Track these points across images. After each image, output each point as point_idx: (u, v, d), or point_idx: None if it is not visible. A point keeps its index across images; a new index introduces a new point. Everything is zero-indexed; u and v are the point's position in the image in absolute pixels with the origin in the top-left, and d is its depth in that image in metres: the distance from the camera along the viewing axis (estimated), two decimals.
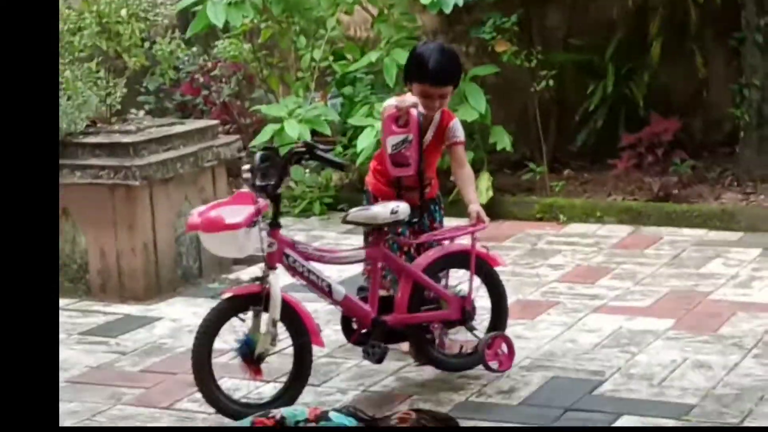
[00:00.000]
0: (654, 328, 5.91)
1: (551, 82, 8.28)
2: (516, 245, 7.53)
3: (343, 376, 5.44)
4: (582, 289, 6.59)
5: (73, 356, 5.83)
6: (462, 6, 8.07)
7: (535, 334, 5.89)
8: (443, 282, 5.36)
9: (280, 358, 5.19)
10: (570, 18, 8.99)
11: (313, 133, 7.99)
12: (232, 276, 7.10)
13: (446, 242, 5.35)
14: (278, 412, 3.55)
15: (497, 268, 5.47)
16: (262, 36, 8.64)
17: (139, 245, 6.66)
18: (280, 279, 5.00)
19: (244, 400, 5.09)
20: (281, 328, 4.99)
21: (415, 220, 5.29)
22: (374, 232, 5.20)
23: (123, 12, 6.73)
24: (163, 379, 5.50)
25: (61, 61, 6.83)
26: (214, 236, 4.93)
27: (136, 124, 6.96)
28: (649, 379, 5.27)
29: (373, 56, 8.16)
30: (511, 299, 6.35)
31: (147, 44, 7.05)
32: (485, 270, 5.38)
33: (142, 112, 7.41)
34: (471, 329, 5.32)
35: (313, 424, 3.50)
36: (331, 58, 8.45)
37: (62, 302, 6.65)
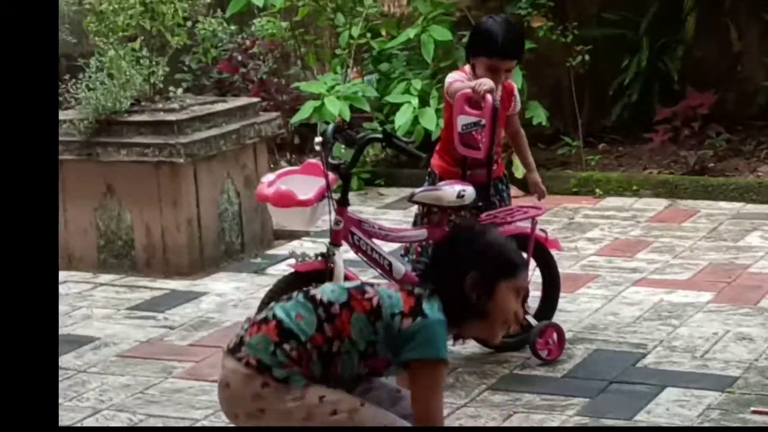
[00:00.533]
0: (694, 300, 5.98)
1: (587, 57, 8.33)
2: (553, 219, 7.61)
3: None
4: (621, 262, 6.67)
5: (123, 331, 5.94)
6: None
7: (576, 308, 5.96)
8: None
9: None
10: None
11: (352, 109, 8.08)
12: (273, 251, 7.20)
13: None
14: (375, 295, 3.56)
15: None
16: (299, 14, 8.71)
17: (183, 221, 6.76)
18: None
19: None
20: None
21: (480, 203, 5.30)
22: (439, 212, 5.25)
23: None
24: (212, 352, 5.60)
25: (104, 40, 6.93)
26: (283, 210, 5.01)
27: (179, 102, 7.05)
28: (692, 351, 5.34)
29: (411, 33, 8.23)
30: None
31: (188, 23, 7.12)
32: (542, 255, 5.44)
33: (180, 90, 7.49)
34: (524, 313, 5.37)
35: (409, 320, 3.49)
36: (368, 35, 8.51)
37: (108, 278, 6.79)
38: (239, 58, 9.15)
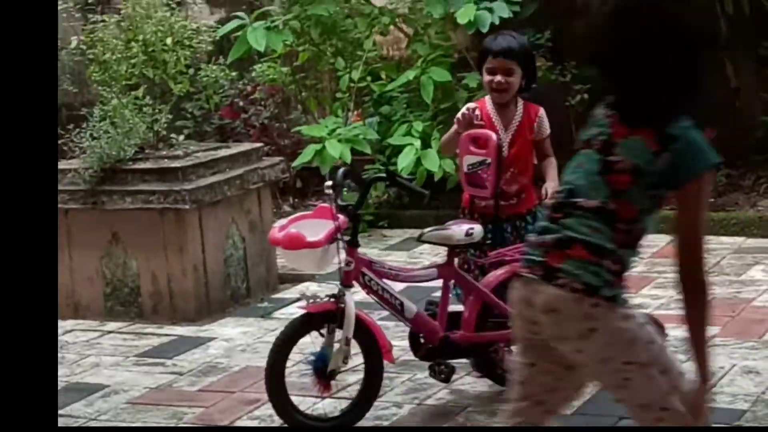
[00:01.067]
0: None
1: (586, 96, 8.39)
2: None
3: (397, 390, 5.55)
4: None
5: (132, 378, 5.97)
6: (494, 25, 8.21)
7: None
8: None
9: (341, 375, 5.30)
10: None
11: (353, 152, 8.14)
12: (278, 295, 7.24)
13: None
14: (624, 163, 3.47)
15: None
16: (299, 58, 8.79)
17: (189, 267, 6.80)
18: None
19: (314, 414, 5.20)
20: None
21: (488, 241, 5.34)
22: (448, 251, 5.30)
23: (168, 40, 6.87)
24: (221, 397, 5.63)
25: (107, 89, 7.00)
26: (294, 252, 5.06)
27: (182, 149, 7.11)
28: None
29: (411, 74, 8.31)
30: None
31: (191, 71, 7.18)
32: None
33: (181, 137, 7.56)
34: None
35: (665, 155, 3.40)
36: (369, 78, 8.59)
37: (115, 325, 6.83)
38: (240, 103, 9.22)
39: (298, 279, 7.52)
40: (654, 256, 7.55)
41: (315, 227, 5.06)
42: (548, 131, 5.60)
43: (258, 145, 7.59)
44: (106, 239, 6.92)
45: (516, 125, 5.51)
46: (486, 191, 5.30)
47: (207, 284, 6.88)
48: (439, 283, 5.35)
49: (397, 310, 5.22)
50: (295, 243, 5.06)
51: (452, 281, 5.32)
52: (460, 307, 5.37)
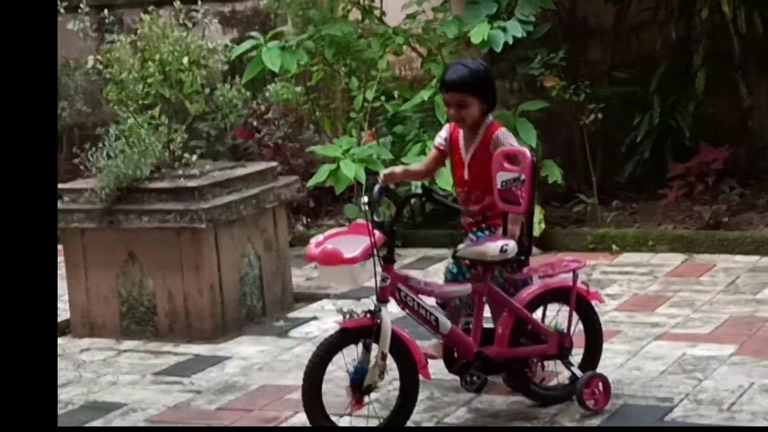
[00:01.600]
0: (717, 354, 6.01)
1: (600, 115, 8.42)
2: None
3: (417, 408, 5.48)
4: (642, 317, 6.70)
5: (150, 396, 5.97)
6: (507, 44, 8.24)
7: (600, 363, 5.94)
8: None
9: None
10: (613, 51, 9.14)
11: (367, 171, 8.15)
12: (293, 314, 7.24)
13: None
14: None
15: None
16: (313, 78, 8.81)
17: (205, 286, 6.80)
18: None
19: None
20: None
21: (522, 257, 5.35)
22: (481, 267, 5.32)
23: (185, 60, 6.89)
24: (240, 416, 5.63)
25: (124, 109, 7.02)
26: (330, 269, 5.08)
27: (198, 168, 7.11)
28: (719, 404, 5.36)
29: (425, 95, 8.32)
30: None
31: (206, 90, 7.20)
32: (584, 307, 5.50)
33: (195, 157, 7.56)
34: (568, 365, 5.43)
35: None
36: (383, 98, 8.61)
37: (131, 344, 6.83)
38: (254, 123, 9.25)
39: (312, 298, 7.53)
40: (669, 275, 7.55)
41: (351, 243, 5.07)
42: (510, 145, 5.54)
43: (273, 164, 7.59)
44: (123, 258, 6.93)
45: (475, 147, 5.54)
46: (520, 207, 5.32)
47: (223, 303, 6.88)
48: None
49: (433, 326, 5.25)
50: (332, 259, 5.06)
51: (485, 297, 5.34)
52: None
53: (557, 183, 8.42)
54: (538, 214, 8.26)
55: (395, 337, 5.07)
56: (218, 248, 6.87)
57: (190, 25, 7.21)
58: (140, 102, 7.03)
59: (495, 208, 5.49)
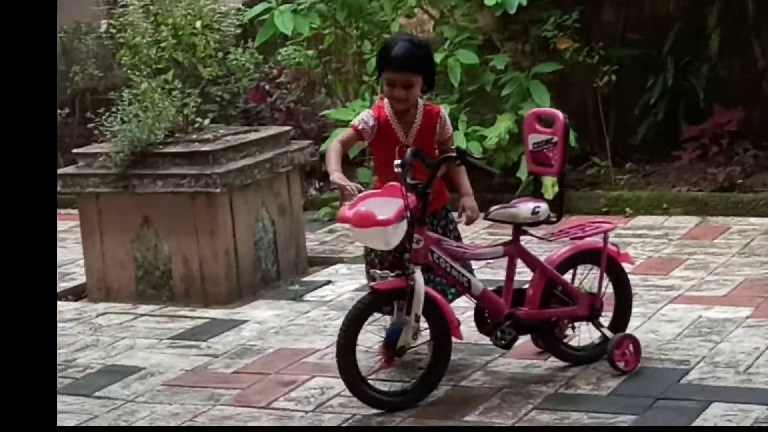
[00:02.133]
0: (733, 316, 6.02)
1: (613, 77, 8.39)
2: None
3: None
4: (656, 280, 6.70)
5: (167, 360, 5.99)
6: (521, 6, 8.21)
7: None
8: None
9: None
10: (626, 13, 9.10)
11: None
12: (308, 278, 7.25)
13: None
14: None
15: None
16: (325, 42, 8.79)
17: (220, 251, 6.82)
18: None
19: (385, 389, 5.22)
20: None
21: (554, 219, 5.35)
22: (513, 229, 5.35)
23: (198, 24, 6.88)
24: (257, 379, 5.65)
25: (137, 73, 7.01)
26: (363, 230, 5.07)
27: (212, 132, 7.11)
28: (735, 366, 5.37)
29: (438, 57, 8.28)
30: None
31: (219, 54, 7.19)
32: (614, 268, 5.52)
33: (207, 121, 7.55)
34: (598, 326, 5.46)
35: None
36: None
37: (147, 308, 6.85)
38: (266, 87, 9.23)
39: (326, 262, 7.55)
40: (683, 238, 7.55)
41: (384, 205, 5.04)
42: (451, 130, 5.57)
43: (286, 128, 7.58)
44: (138, 223, 6.94)
45: (417, 128, 5.46)
46: (552, 169, 5.34)
47: (238, 267, 6.89)
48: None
49: (465, 287, 5.27)
50: (365, 221, 5.03)
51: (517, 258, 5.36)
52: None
53: (570, 146, 8.37)
54: (551, 176, 8.24)
55: (427, 298, 5.09)
56: (233, 212, 6.88)
57: None
58: (153, 66, 7.02)
59: (440, 186, 5.46)
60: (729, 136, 8.43)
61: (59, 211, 9.42)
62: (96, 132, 7.23)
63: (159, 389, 5.62)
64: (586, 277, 5.53)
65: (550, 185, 8.19)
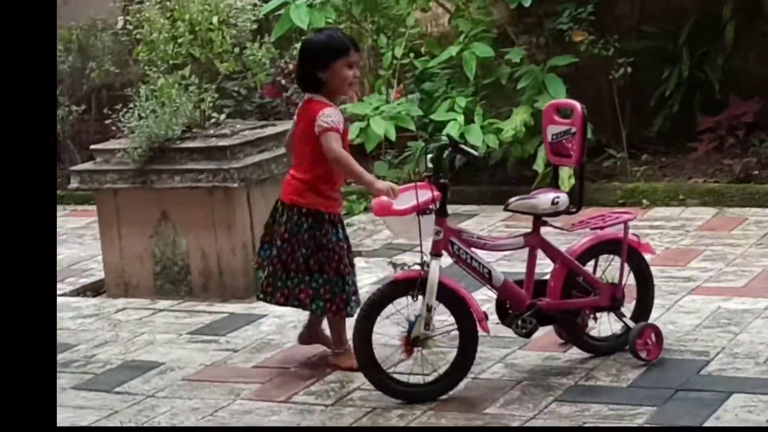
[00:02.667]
0: (751, 307, 6.02)
1: (629, 69, 8.39)
2: None
3: None
4: (674, 271, 6.70)
5: (187, 355, 6.01)
6: None
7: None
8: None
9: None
10: (641, 5, 9.09)
11: (396, 128, 8.16)
12: None
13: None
14: None
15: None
16: None
17: (238, 245, 6.83)
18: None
19: (405, 380, 5.26)
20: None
21: (574, 210, 5.39)
22: (533, 220, 5.38)
23: (214, 19, 6.89)
24: (277, 373, 5.67)
25: (154, 69, 7.03)
26: (388, 219, 5.25)
27: (229, 128, 7.13)
28: (754, 357, 5.37)
29: (453, 50, 8.31)
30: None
31: (236, 50, 7.20)
32: (635, 258, 5.54)
33: (223, 116, 7.56)
34: (620, 316, 5.47)
35: None
36: (412, 55, 8.61)
37: (166, 303, 6.87)
38: (282, 82, 9.24)
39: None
40: (700, 229, 7.55)
41: (408, 199, 5.15)
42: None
43: None
44: (156, 218, 6.96)
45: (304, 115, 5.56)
46: (571, 160, 5.37)
47: None
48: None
49: (486, 279, 5.30)
50: (382, 211, 5.20)
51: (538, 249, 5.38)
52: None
53: (587, 137, 8.38)
54: (568, 169, 8.24)
55: (449, 290, 5.11)
56: (250, 207, 6.89)
57: None
58: (170, 62, 7.03)
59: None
60: (745, 127, 8.43)
61: (77, 207, 9.50)
62: (113, 128, 7.25)
63: (179, 384, 5.65)
64: (608, 268, 5.53)
65: (566, 177, 8.19)
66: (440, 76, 8.75)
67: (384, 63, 8.63)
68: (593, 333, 5.58)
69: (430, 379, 5.27)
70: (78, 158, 9.58)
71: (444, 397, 5.22)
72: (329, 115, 5.38)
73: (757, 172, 8.22)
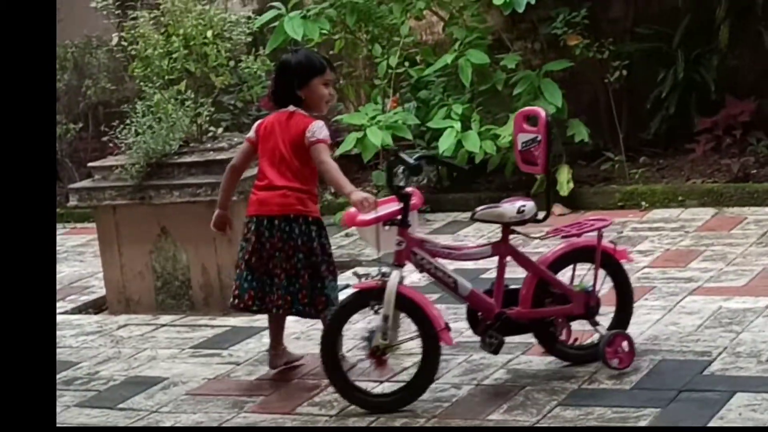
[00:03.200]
0: (753, 306, 6.02)
1: (624, 72, 8.40)
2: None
3: (455, 371, 5.57)
4: (675, 272, 6.71)
5: (190, 369, 6.02)
6: (529, 4, 8.22)
7: (636, 320, 5.96)
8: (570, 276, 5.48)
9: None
10: (635, 7, 9.10)
11: (393, 138, 8.17)
12: None
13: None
14: None
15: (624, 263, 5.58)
16: (335, 47, 8.81)
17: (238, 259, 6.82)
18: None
19: (373, 392, 5.29)
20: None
21: (540, 218, 5.36)
22: (502, 228, 5.36)
23: (209, 33, 6.91)
24: (280, 386, 5.67)
25: (150, 85, 7.04)
26: (361, 230, 5.37)
27: (227, 141, 7.14)
28: (757, 356, 5.37)
29: (448, 58, 8.32)
30: (605, 287, 6.50)
31: (231, 63, 7.21)
32: (612, 266, 5.49)
33: (220, 130, 7.57)
34: (594, 324, 5.43)
35: None
36: (407, 63, 8.62)
37: (168, 318, 6.88)
38: None
39: (344, 266, 7.53)
40: (700, 230, 7.55)
41: (381, 210, 5.21)
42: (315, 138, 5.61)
43: None
44: (155, 233, 6.97)
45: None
46: (538, 168, 5.35)
47: None
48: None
49: (452, 288, 5.29)
50: (349, 221, 5.36)
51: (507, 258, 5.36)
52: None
53: (584, 142, 8.41)
54: (566, 173, 8.27)
55: (408, 299, 5.13)
56: None
57: None
58: (166, 77, 7.05)
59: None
60: (742, 127, 8.44)
61: (76, 225, 9.50)
62: (110, 145, 7.27)
63: (183, 399, 5.65)
64: (585, 276, 5.48)
65: (565, 182, 8.23)
66: (436, 84, 8.76)
67: (379, 72, 8.63)
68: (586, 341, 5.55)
69: (394, 388, 5.29)
70: (76, 176, 9.59)
71: (447, 404, 5.22)
72: (321, 128, 5.51)
73: (755, 171, 8.23)
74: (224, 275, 6.85)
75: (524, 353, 5.67)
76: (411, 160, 5.30)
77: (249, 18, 7.44)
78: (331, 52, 8.90)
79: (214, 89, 7.20)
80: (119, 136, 7.01)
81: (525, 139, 5.37)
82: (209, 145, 7.06)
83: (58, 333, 6.60)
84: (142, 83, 7.10)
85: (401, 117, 8.29)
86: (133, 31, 7.02)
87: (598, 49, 8.41)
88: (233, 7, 9.69)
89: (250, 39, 7.42)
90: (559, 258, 5.43)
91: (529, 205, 5.30)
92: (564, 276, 5.46)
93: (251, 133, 5.76)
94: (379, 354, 5.20)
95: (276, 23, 8.33)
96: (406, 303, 5.15)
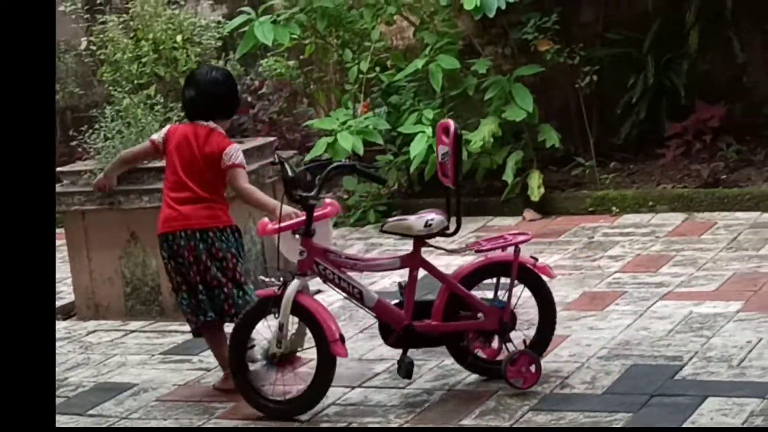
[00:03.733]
0: (724, 311, 6.03)
1: (595, 77, 8.41)
2: (573, 239, 7.66)
3: (426, 377, 5.55)
4: (646, 277, 6.71)
5: (160, 375, 5.97)
6: (500, 9, 8.22)
7: (607, 325, 6.00)
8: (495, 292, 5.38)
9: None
10: (605, 12, 9.12)
11: (365, 143, 8.15)
12: None
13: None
14: None
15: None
16: (306, 52, 8.79)
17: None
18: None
19: (272, 397, 5.31)
20: None
21: (449, 232, 5.30)
22: (413, 241, 5.28)
23: (178, 38, 6.88)
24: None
25: (119, 89, 7.00)
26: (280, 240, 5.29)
27: None
28: (728, 360, 5.38)
29: (419, 63, 8.31)
30: (577, 292, 6.52)
31: None
32: (533, 281, 5.41)
33: None
34: (506, 341, 5.32)
35: None
36: (378, 68, 8.60)
37: (137, 324, 6.83)
38: (248, 99, 9.22)
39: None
40: (670, 235, 7.57)
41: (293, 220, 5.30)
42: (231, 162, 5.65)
43: (271, 139, 7.58)
44: (125, 239, 6.93)
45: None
46: (449, 180, 5.27)
47: None
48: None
49: (357, 299, 5.26)
50: (260, 230, 5.41)
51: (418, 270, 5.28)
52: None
53: (555, 147, 8.42)
54: (537, 178, 8.27)
55: (305, 309, 5.14)
56: None
57: (182, 1, 7.18)
58: (135, 82, 7.03)
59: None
60: (712, 132, 8.47)
61: None
62: (79, 150, 7.21)
63: (153, 405, 5.61)
64: (507, 291, 5.35)
65: (536, 187, 8.23)
66: (407, 89, 8.75)
67: (350, 77, 8.62)
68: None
69: (289, 396, 5.30)
70: None
71: (419, 409, 5.20)
72: (238, 152, 5.57)
73: (725, 176, 8.26)
74: None
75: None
76: (291, 170, 5.32)
77: (219, 23, 7.42)
78: (301, 57, 8.90)
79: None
80: (88, 140, 6.97)
81: (442, 152, 5.28)
82: None
83: None
84: (111, 88, 7.06)
85: (372, 122, 8.27)
86: (102, 36, 6.99)
87: (568, 55, 8.42)
88: (203, 11, 9.66)
89: (220, 44, 7.40)
90: (475, 271, 5.35)
91: (438, 218, 5.22)
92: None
93: (158, 137, 5.67)
94: (276, 361, 5.22)
95: (246, 28, 8.29)
96: (303, 312, 5.15)
